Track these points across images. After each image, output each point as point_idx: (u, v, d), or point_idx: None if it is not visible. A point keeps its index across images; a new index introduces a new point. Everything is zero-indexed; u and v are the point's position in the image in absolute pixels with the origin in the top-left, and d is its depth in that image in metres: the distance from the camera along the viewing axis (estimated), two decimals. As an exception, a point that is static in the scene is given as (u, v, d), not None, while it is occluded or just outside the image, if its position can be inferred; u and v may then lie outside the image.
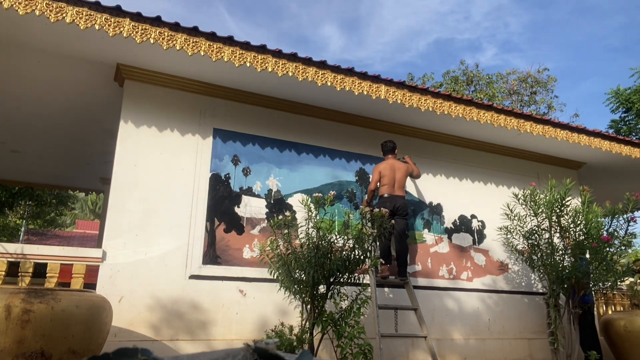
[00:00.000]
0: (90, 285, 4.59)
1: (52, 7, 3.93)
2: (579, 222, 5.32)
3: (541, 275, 5.66)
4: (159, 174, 5.00)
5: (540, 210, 5.46)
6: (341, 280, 4.27)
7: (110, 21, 4.16)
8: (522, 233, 5.61)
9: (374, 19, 71.79)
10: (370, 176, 6.16)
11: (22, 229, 20.29)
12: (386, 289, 5.55)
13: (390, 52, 75.33)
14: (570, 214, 5.39)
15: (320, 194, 4.35)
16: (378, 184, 5.67)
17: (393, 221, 5.12)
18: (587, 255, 5.39)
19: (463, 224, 6.65)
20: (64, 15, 3.98)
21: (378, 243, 5.49)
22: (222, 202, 5.25)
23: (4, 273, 4.23)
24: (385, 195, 5.56)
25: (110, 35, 4.15)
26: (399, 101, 5.37)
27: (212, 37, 4.56)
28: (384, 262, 5.49)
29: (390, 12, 62.91)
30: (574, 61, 76.53)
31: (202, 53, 4.49)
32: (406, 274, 5.58)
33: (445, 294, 6.12)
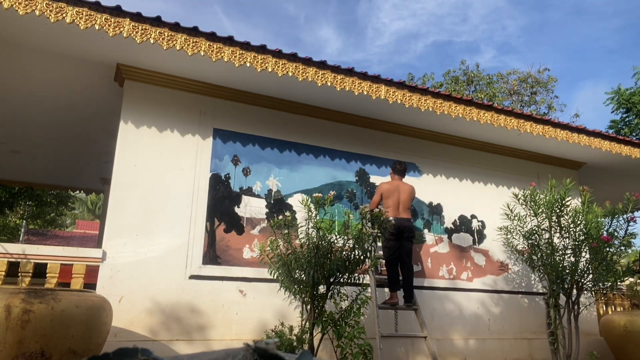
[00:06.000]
0: (90, 285, 4.59)
1: (52, 7, 3.93)
2: (579, 222, 5.31)
3: (541, 275, 5.66)
4: (159, 174, 5.00)
5: (540, 210, 5.46)
6: (341, 280, 4.28)
7: (110, 21, 4.16)
8: (522, 233, 5.61)
9: (371, 21, 71.70)
10: (370, 176, 6.16)
11: (22, 229, 20.29)
12: (386, 289, 5.55)
13: (388, 54, 75.29)
14: (570, 214, 5.39)
15: (320, 194, 4.35)
16: (380, 205, 5.42)
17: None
18: (588, 255, 5.38)
19: (463, 224, 6.65)
20: (64, 15, 3.98)
21: (386, 269, 5.32)
22: (222, 202, 5.25)
23: (4, 273, 4.23)
24: (390, 218, 5.16)
25: (110, 35, 4.15)
26: (399, 101, 5.37)
27: (212, 37, 4.56)
28: (392, 289, 5.28)
29: (387, 15, 62.90)
30: (571, 63, 76.69)
31: (202, 53, 4.49)
32: (412, 299, 5.33)
33: (445, 294, 6.12)
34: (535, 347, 6.33)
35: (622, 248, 5.50)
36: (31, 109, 6.28)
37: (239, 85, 5.43)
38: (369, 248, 4.34)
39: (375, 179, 6.15)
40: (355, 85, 5.16)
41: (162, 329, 4.60)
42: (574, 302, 5.37)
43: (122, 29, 4.19)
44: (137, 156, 4.95)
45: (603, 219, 5.42)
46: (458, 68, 19.69)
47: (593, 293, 6.10)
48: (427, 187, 6.50)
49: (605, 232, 5.33)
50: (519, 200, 5.65)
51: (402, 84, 5.46)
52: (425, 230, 6.35)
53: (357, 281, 4.38)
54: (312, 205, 4.33)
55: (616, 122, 13.96)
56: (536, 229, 5.49)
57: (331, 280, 4.21)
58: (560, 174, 7.00)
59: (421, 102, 5.52)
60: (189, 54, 4.45)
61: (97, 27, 4.09)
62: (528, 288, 6.73)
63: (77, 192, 12.43)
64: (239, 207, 5.33)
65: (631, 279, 7.25)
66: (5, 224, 19.10)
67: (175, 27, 4.43)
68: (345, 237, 4.32)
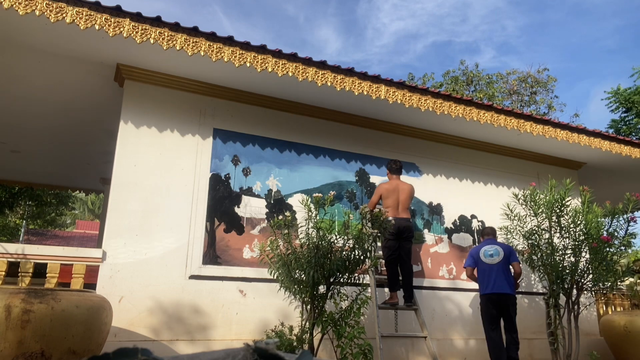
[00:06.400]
0: (90, 285, 4.59)
1: (52, 7, 3.93)
2: (579, 222, 5.32)
3: (541, 275, 5.66)
4: (159, 174, 5.00)
5: (540, 210, 5.46)
6: (341, 280, 4.28)
7: (110, 21, 4.16)
8: (522, 233, 5.61)
9: (371, 22, 71.78)
10: (370, 176, 6.16)
11: (22, 229, 20.29)
12: (386, 289, 5.55)
13: (388, 55, 75.32)
14: (570, 214, 5.39)
15: (320, 194, 4.35)
16: (379, 205, 5.40)
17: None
18: (588, 255, 5.38)
19: (463, 224, 6.65)
20: (64, 15, 3.98)
21: (386, 269, 5.35)
22: (222, 202, 5.25)
23: (4, 273, 4.23)
24: (389, 218, 5.07)
25: (110, 35, 4.15)
26: (399, 101, 5.37)
27: (212, 37, 4.56)
28: (392, 289, 5.30)
29: (387, 15, 62.98)
30: (571, 63, 76.79)
31: (202, 53, 4.49)
32: (412, 299, 5.33)
33: (445, 294, 6.12)
34: (535, 347, 6.33)
35: (622, 248, 5.51)
36: (31, 109, 6.27)
37: (239, 85, 5.43)
38: (369, 248, 4.34)
39: (375, 179, 6.15)
40: (355, 85, 5.16)
41: (162, 329, 4.60)
42: (574, 302, 5.38)
43: (122, 29, 4.19)
44: (137, 156, 4.95)
45: (603, 219, 5.42)
46: (457, 68, 19.72)
47: (593, 293, 6.09)
48: (427, 187, 6.50)
49: (605, 232, 5.33)
50: (519, 200, 5.65)
51: (402, 84, 5.46)
52: (425, 230, 6.35)
53: (357, 281, 4.38)
54: (312, 205, 4.33)
55: (616, 121, 13.96)
56: (536, 229, 5.49)
57: (331, 280, 4.21)
58: (560, 174, 7.00)
59: (421, 102, 5.52)
60: (189, 54, 4.45)
61: (97, 27, 4.09)
62: (528, 288, 6.73)
63: (77, 192, 12.43)
64: (239, 207, 5.33)
65: (631, 279, 7.25)
66: (5, 224, 19.10)
67: (175, 27, 4.43)
68: (345, 237, 4.32)
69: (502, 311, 5.36)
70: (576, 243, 5.31)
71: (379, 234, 4.78)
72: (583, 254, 5.37)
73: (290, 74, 4.84)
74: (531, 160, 7.37)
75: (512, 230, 5.73)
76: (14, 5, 3.80)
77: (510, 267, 5.33)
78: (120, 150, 4.90)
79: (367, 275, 5.20)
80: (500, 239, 6.45)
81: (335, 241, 4.27)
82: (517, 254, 5.89)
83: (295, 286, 4.21)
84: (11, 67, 5.19)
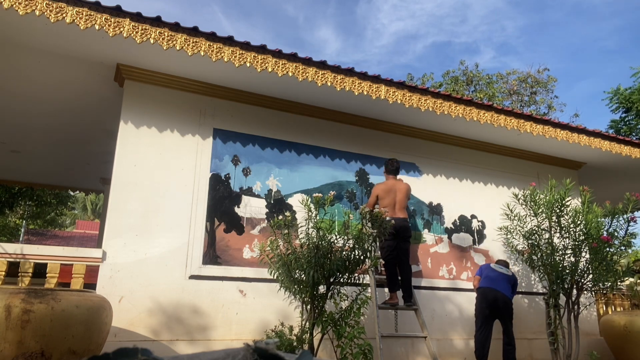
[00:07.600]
0: (90, 285, 4.59)
1: (52, 7, 3.93)
2: (579, 222, 5.31)
3: (541, 275, 5.66)
4: (159, 174, 5.00)
5: (540, 210, 5.46)
6: (341, 280, 4.28)
7: (110, 21, 4.15)
8: (522, 233, 5.61)
9: (370, 22, 72.03)
10: (370, 176, 6.16)
11: (22, 229, 20.28)
12: (386, 289, 5.55)
13: (387, 55, 75.50)
14: (570, 214, 5.39)
15: (320, 194, 4.35)
16: (376, 206, 5.41)
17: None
18: (588, 255, 5.39)
19: (463, 224, 6.65)
20: (64, 15, 3.97)
21: (384, 269, 5.37)
22: (222, 202, 5.25)
23: (4, 273, 4.23)
24: (388, 218, 4.98)
25: (110, 35, 4.15)
26: (399, 101, 5.37)
27: (212, 37, 4.56)
28: (391, 289, 5.30)
29: (386, 16, 63.14)
30: (570, 63, 76.87)
31: (202, 53, 4.48)
32: (412, 298, 5.32)
33: (445, 294, 6.12)
34: (535, 347, 6.34)
35: (622, 248, 5.51)
36: (31, 109, 6.27)
37: (239, 85, 5.43)
38: (369, 248, 4.34)
39: (375, 179, 6.15)
40: (355, 85, 5.15)
41: (162, 329, 4.60)
42: (574, 302, 5.38)
43: (122, 29, 4.19)
44: (137, 156, 4.95)
45: (603, 219, 5.42)
46: (457, 68, 19.72)
47: (593, 293, 6.09)
48: (427, 187, 6.50)
49: (605, 232, 5.33)
50: (519, 200, 5.65)
51: (402, 84, 5.46)
52: (425, 230, 6.35)
53: (357, 281, 4.38)
54: (312, 205, 4.33)
55: (616, 121, 13.95)
56: (536, 229, 5.49)
57: (331, 280, 4.21)
58: (560, 174, 7.00)
59: (421, 102, 5.52)
60: (189, 54, 4.45)
61: (97, 27, 4.09)
62: (528, 288, 6.73)
63: (77, 192, 12.44)
64: (239, 207, 5.33)
65: (631, 279, 7.25)
66: (5, 224, 19.09)
67: (175, 27, 4.43)
68: (345, 237, 4.32)
69: (495, 313, 5.39)
70: (576, 243, 5.30)
71: (377, 235, 4.78)
72: (583, 254, 5.37)
73: (290, 74, 4.84)
74: (531, 160, 7.37)
75: (512, 230, 5.73)
76: (14, 5, 3.79)
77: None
78: (120, 150, 4.90)
79: (367, 275, 5.20)
80: (500, 239, 6.45)
81: (335, 241, 4.27)
82: (517, 255, 5.91)
83: (295, 286, 4.21)
84: (11, 67, 5.19)
